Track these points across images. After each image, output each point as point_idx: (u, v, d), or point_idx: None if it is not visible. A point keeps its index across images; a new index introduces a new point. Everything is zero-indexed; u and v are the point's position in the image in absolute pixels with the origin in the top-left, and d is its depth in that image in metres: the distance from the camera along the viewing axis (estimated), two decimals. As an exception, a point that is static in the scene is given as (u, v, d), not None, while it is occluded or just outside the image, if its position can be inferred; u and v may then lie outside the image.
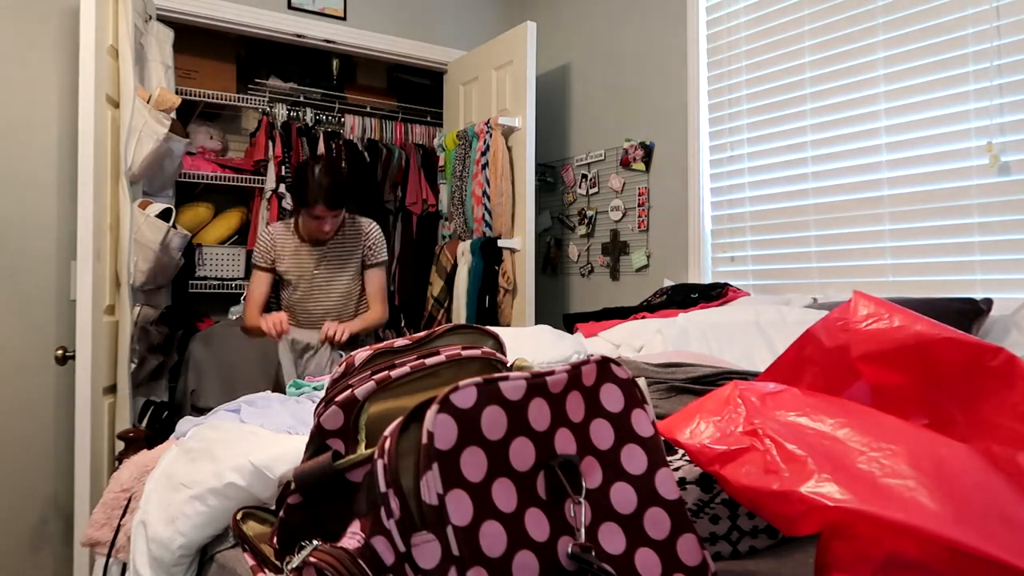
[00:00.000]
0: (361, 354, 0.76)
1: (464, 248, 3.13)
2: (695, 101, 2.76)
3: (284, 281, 2.48)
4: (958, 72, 2.00)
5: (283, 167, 3.35)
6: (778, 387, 0.75)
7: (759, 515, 0.64)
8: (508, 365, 0.80)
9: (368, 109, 3.83)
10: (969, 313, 1.75)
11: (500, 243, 3.04)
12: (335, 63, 3.85)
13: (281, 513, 0.67)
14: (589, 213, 3.24)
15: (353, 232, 2.52)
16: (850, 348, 0.78)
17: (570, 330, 2.40)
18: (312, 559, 0.56)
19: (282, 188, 3.34)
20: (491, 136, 3.09)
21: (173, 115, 2.48)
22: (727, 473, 0.65)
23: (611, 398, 0.66)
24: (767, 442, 0.65)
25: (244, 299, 2.51)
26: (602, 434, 0.64)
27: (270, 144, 3.37)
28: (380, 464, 0.55)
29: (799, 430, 0.66)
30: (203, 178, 3.26)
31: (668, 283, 2.75)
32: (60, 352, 2.29)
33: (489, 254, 3.04)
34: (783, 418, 0.68)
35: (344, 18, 3.32)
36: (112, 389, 2.37)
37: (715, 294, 2.36)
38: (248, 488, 0.99)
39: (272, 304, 2.67)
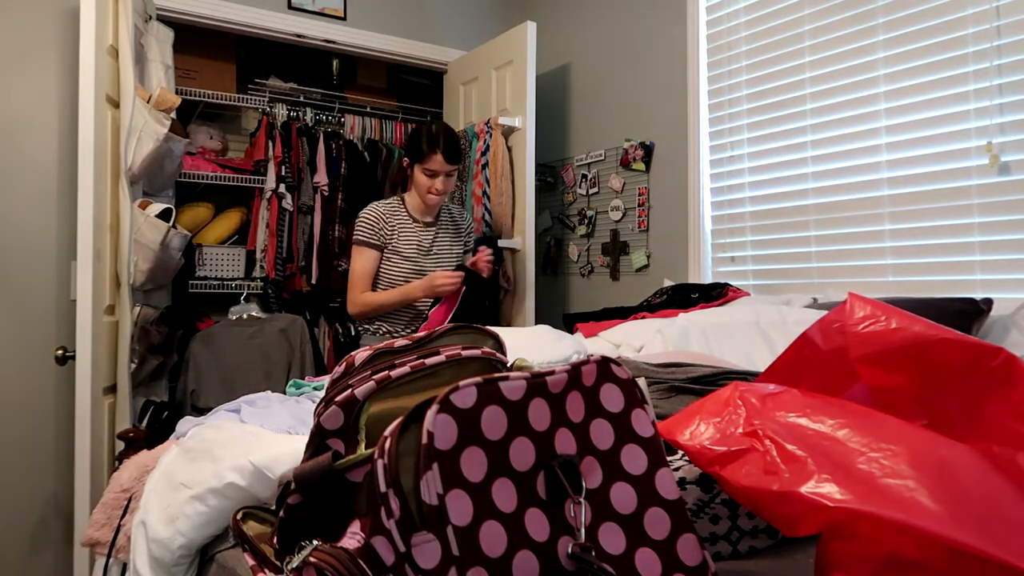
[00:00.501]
0: (361, 354, 0.76)
1: (464, 248, 3.12)
2: (695, 101, 2.76)
3: (392, 262, 2.35)
4: (958, 72, 2.00)
5: (283, 167, 3.35)
6: (778, 388, 0.75)
7: (759, 516, 0.64)
8: (508, 365, 0.80)
9: (368, 109, 3.83)
10: (969, 313, 1.75)
11: (500, 243, 3.04)
12: (335, 63, 3.85)
13: (281, 513, 0.67)
14: (589, 213, 3.24)
15: (452, 215, 2.51)
16: (848, 351, 0.78)
17: (570, 330, 2.40)
18: (312, 559, 0.56)
19: (282, 188, 3.34)
20: (491, 136, 3.09)
21: (173, 115, 2.48)
22: (727, 474, 0.65)
23: (611, 398, 0.66)
24: (767, 443, 0.65)
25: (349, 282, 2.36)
26: (602, 434, 0.64)
27: (270, 144, 3.37)
28: (380, 464, 0.55)
29: (799, 431, 0.66)
30: (203, 178, 3.26)
31: (668, 283, 2.75)
32: (60, 352, 2.29)
33: (489, 254, 3.04)
34: (783, 419, 0.68)
35: (344, 18, 3.32)
36: (112, 389, 2.37)
37: (715, 294, 2.36)
38: (248, 488, 0.99)
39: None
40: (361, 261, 2.34)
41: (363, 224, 2.35)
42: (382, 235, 2.34)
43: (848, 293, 0.83)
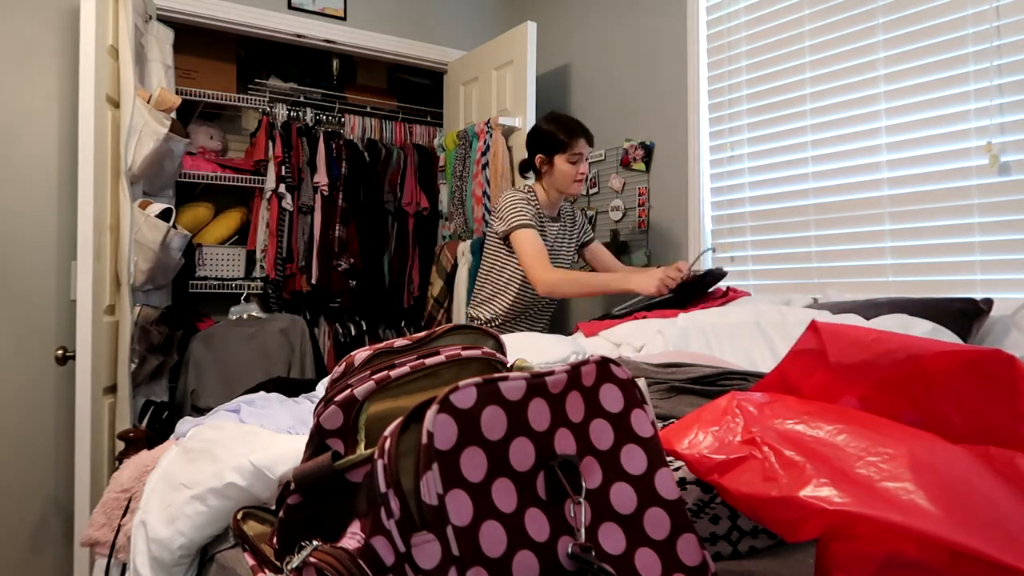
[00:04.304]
0: (361, 354, 0.76)
1: (464, 248, 3.13)
2: (695, 101, 2.76)
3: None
4: (958, 72, 2.00)
5: (283, 167, 3.35)
6: (776, 396, 0.75)
7: (760, 522, 0.64)
8: (508, 365, 0.80)
9: (368, 109, 3.83)
10: (969, 313, 1.75)
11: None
12: (335, 63, 3.86)
13: (281, 513, 0.67)
14: (589, 213, 3.24)
15: (570, 212, 2.58)
16: (835, 384, 0.76)
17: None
18: (312, 559, 0.56)
19: (282, 188, 3.34)
20: (491, 136, 3.09)
21: (173, 115, 2.48)
22: (726, 482, 0.65)
23: (611, 398, 0.66)
24: (765, 450, 0.65)
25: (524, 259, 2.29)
26: (602, 434, 0.64)
27: (270, 144, 3.37)
28: (380, 464, 0.55)
29: (797, 437, 0.66)
30: (203, 178, 3.26)
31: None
32: (60, 352, 2.29)
33: (489, 254, 3.04)
34: (781, 426, 0.68)
35: (344, 18, 3.32)
36: (112, 389, 2.37)
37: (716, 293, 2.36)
38: (248, 488, 0.99)
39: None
40: (531, 240, 2.29)
41: (516, 208, 2.35)
42: (535, 218, 2.37)
43: (812, 320, 0.82)
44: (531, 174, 2.50)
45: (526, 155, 2.48)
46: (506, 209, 2.36)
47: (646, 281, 2.16)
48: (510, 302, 2.44)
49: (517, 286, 2.43)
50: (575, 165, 2.35)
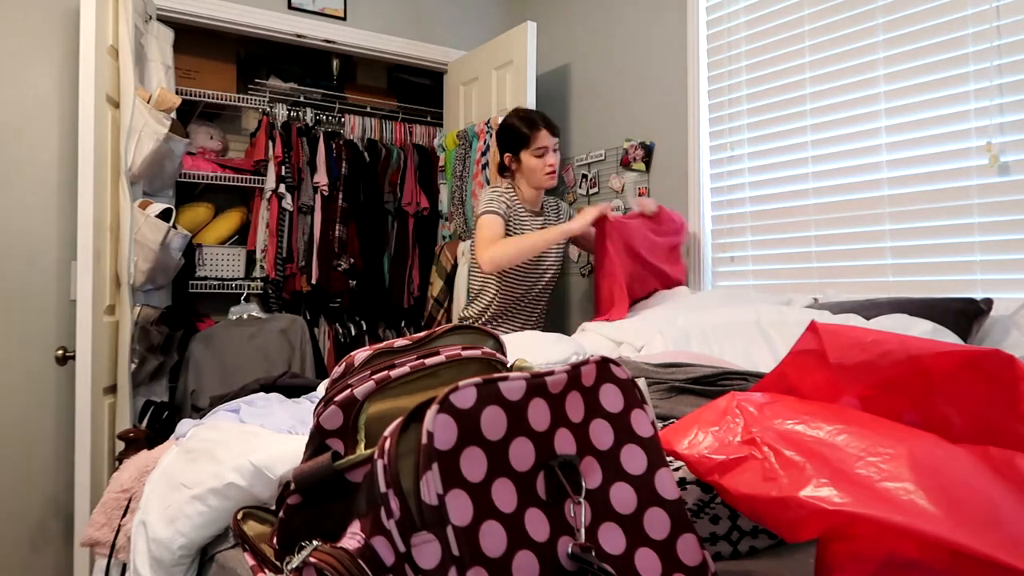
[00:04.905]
0: (360, 354, 0.76)
1: (464, 248, 3.13)
2: (695, 101, 2.76)
3: None
4: (958, 72, 2.00)
5: (283, 167, 3.35)
6: (776, 397, 0.75)
7: (760, 523, 0.64)
8: (508, 366, 0.80)
9: (368, 109, 3.83)
10: (969, 313, 1.75)
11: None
12: (335, 63, 3.85)
13: (281, 513, 0.67)
14: (589, 213, 3.23)
15: (554, 205, 2.60)
16: (839, 389, 0.76)
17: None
18: (312, 559, 0.56)
19: (282, 188, 3.34)
20: (491, 136, 3.09)
21: (173, 115, 2.48)
22: (726, 482, 0.65)
23: (611, 398, 0.66)
24: (765, 450, 0.65)
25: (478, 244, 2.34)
26: (602, 434, 0.64)
27: (270, 144, 3.37)
28: (380, 464, 0.55)
29: (797, 437, 0.66)
30: (203, 178, 3.26)
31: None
32: (60, 352, 2.29)
33: (489, 254, 3.03)
34: (781, 426, 0.68)
35: (344, 18, 3.32)
36: (112, 389, 2.37)
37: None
38: (249, 488, 0.99)
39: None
40: (487, 224, 2.34)
41: (491, 199, 2.39)
42: (507, 213, 2.39)
43: (811, 321, 0.82)
44: (508, 175, 2.49)
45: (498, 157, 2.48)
46: (480, 203, 2.41)
47: (581, 220, 2.31)
48: (492, 296, 2.46)
49: (496, 280, 2.44)
50: (541, 158, 2.35)
